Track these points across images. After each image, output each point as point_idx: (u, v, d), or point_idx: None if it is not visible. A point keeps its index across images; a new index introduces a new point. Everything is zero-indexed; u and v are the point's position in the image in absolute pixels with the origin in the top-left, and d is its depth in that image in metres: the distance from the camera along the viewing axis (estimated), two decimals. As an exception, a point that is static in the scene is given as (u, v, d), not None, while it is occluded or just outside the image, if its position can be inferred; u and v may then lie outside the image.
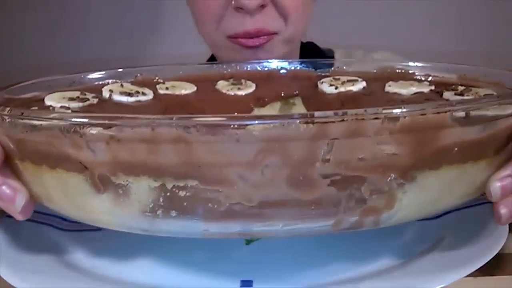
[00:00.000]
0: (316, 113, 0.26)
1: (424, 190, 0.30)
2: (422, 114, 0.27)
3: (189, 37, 0.60)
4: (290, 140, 0.27)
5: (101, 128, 0.27)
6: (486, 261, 0.32)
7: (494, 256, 0.33)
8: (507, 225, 0.34)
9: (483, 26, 1.11)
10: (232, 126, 0.26)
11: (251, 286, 0.33)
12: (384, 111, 0.27)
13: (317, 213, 0.29)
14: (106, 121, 0.27)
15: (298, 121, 0.26)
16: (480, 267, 0.32)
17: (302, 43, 0.67)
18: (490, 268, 0.34)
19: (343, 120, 0.26)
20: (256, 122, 0.26)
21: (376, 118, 0.27)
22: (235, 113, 0.37)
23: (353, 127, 0.27)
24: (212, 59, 0.70)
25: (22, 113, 0.29)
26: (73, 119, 0.28)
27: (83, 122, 0.27)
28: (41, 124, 0.28)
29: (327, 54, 0.75)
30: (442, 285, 0.30)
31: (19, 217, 0.33)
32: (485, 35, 1.11)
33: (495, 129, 0.30)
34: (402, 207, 0.30)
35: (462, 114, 0.28)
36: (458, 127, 0.29)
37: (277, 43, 0.57)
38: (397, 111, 0.27)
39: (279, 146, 0.27)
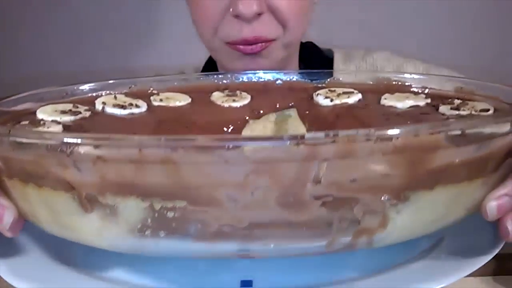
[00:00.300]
0: (307, 135, 0.26)
1: (418, 210, 0.29)
2: (415, 136, 0.27)
3: (184, 48, 0.60)
4: (280, 161, 0.26)
5: (88, 148, 0.27)
6: (486, 261, 0.32)
7: (494, 256, 0.33)
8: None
9: (486, 36, 1.10)
10: (221, 147, 0.26)
11: (251, 286, 0.33)
12: (376, 133, 0.26)
13: (310, 234, 0.29)
14: (93, 141, 0.26)
15: (288, 142, 0.26)
16: (480, 267, 0.32)
17: (301, 43, 0.66)
18: (490, 268, 0.33)
19: (334, 142, 0.26)
20: (246, 143, 0.26)
21: (368, 140, 0.26)
22: (230, 126, 0.37)
23: (345, 148, 0.26)
24: (211, 60, 0.69)
25: (9, 131, 0.28)
26: (62, 139, 0.27)
27: (70, 142, 0.27)
28: (28, 143, 0.28)
29: (327, 54, 0.74)
30: (442, 285, 0.30)
31: (8, 234, 0.32)
32: (486, 45, 1.10)
33: (491, 148, 0.30)
34: (396, 228, 0.29)
35: (457, 133, 0.28)
36: (453, 147, 0.28)
37: (276, 48, 0.57)
38: (389, 132, 0.26)
39: (269, 167, 0.26)
